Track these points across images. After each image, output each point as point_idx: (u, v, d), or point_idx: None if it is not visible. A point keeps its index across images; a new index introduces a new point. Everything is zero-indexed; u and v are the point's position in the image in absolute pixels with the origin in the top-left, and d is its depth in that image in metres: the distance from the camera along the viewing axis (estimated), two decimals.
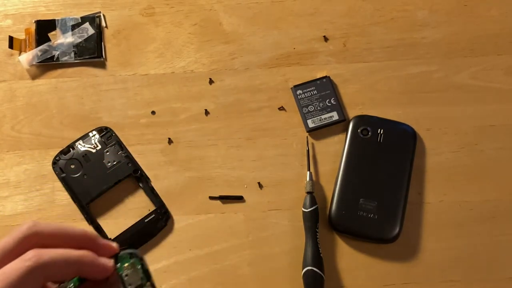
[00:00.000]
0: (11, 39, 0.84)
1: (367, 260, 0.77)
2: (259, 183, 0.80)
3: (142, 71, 0.84)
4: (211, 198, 0.79)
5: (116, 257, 0.50)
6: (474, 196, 0.78)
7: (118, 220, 0.79)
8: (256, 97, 0.83)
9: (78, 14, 0.86)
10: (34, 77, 0.84)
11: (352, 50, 0.84)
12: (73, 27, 0.85)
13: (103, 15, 0.86)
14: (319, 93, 0.82)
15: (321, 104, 0.82)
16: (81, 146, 0.80)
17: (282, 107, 0.82)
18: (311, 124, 0.81)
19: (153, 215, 0.78)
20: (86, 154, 0.80)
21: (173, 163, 0.80)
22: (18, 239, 0.46)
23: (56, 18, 0.86)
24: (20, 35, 0.85)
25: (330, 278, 0.76)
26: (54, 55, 0.84)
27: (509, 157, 0.80)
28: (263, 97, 0.83)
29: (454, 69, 0.83)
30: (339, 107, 0.81)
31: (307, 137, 0.81)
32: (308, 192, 0.77)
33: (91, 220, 0.78)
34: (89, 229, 0.78)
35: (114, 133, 0.81)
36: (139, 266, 0.50)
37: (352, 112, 0.82)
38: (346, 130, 0.80)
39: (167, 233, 0.78)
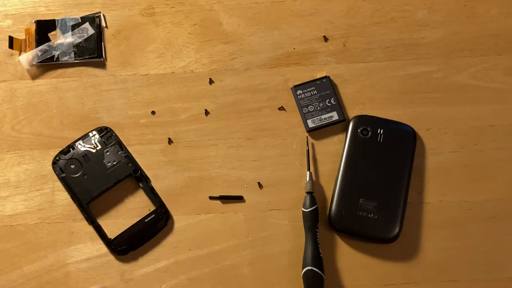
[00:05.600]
0: (11, 39, 0.84)
1: (367, 260, 0.77)
2: (259, 183, 0.80)
3: (142, 71, 0.84)
4: (211, 198, 0.79)
5: None
6: (474, 196, 0.78)
7: (118, 220, 0.79)
8: (256, 97, 0.83)
9: (78, 14, 0.86)
10: (34, 77, 0.84)
11: (352, 50, 0.84)
12: (73, 27, 0.85)
13: (103, 15, 0.86)
14: (319, 93, 0.82)
15: (321, 104, 0.82)
16: (81, 146, 0.80)
17: (282, 107, 0.82)
18: (311, 124, 0.81)
19: (153, 215, 0.78)
20: (86, 154, 0.80)
21: (173, 163, 0.81)
22: None
23: (56, 18, 0.86)
24: (20, 35, 0.85)
25: (330, 278, 0.76)
26: (54, 55, 0.84)
27: (509, 157, 0.80)
28: (263, 97, 0.83)
29: (454, 69, 0.83)
30: (339, 107, 0.81)
31: (307, 137, 0.81)
32: (308, 192, 0.77)
33: (91, 220, 0.78)
34: (89, 229, 0.78)
35: (114, 133, 0.81)
36: None
37: (352, 112, 0.82)
38: (346, 130, 0.80)
39: (167, 233, 0.78)
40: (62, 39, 0.85)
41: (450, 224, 0.78)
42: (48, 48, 0.84)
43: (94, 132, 0.81)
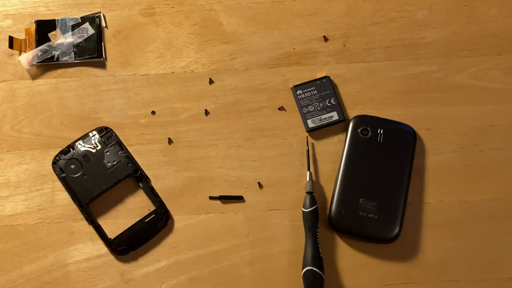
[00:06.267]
0: (11, 39, 0.84)
1: (367, 260, 0.77)
2: (259, 183, 0.80)
3: (142, 71, 0.84)
4: (211, 198, 0.79)
5: None
6: (474, 196, 0.78)
7: (118, 220, 0.79)
8: (256, 97, 0.83)
9: (78, 14, 0.86)
10: (34, 77, 0.84)
11: (352, 50, 0.84)
12: (73, 27, 0.85)
13: (103, 15, 0.86)
14: (319, 93, 0.82)
15: (321, 104, 0.82)
16: (81, 146, 0.80)
17: (282, 107, 0.82)
18: (311, 124, 0.81)
19: (153, 215, 0.78)
20: (86, 154, 0.80)
21: (173, 163, 0.81)
22: None
23: (56, 18, 0.86)
24: (20, 35, 0.85)
25: (330, 278, 0.76)
26: (54, 55, 0.84)
27: (509, 157, 0.80)
28: (263, 97, 0.83)
29: (454, 69, 0.83)
30: (339, 107, 0.81)
31: (307, 137, 0.81)
32: (308, 192, 0.77)
33: (91, 220, 0.78)
34: (89, 229, 0.78)
35: (114, 133, 0.81)
36: None
37: (352, 112, 0.82)
38: (346, 130, 0.80)
39: (167, 233, 0.78)
40: (62, 39, 0.85)
41: (450, 224, 0.78)
42: (48, 48, 0.84)
43: (94, 132, 0.81)
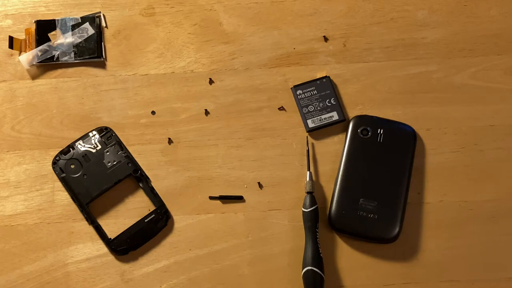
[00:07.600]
0: (11, 39, 0.84)
1: (367, 260, 0.77)
2: (259, 183, 0.80)
3: (142, 71, 0.84)
4: (211, 198, 0.79)
5: None
6: (474, 196, 0.78)
7: (118, 220, 0.79)
8: (256, 97, 0.83)
9: (78, 14, 0.86)
10: (34, 77, 0.84)
11: (352, 50, 0.84)
12: (73, 27, 0.85)
13: (103, 15, 0.86)
14: (319, 93, 0.82)
15: (321, 104, 0.82)
16: (81, 146, 0.80)
17: (282, 107, 0.82)
18: (311, 124, 0.81)
19: (153, 215, 0.78)
20: (86, 154, 0.80)
21: (173, 163, 0.81)
22: None
23: (56, 18, 0.86)
24: (20, 35, 0.85)
25: (330, 278, 0.76)
26: (54, 55, 0.84)
27: (509, 157, 0.80)
28: (263, 97, 0.83)
29: (454, 69, 0.83)
30: (339, 107, 0.81)
31: (307, 137, 0.81)
32: (308, 192, 0.77)
33: (91, 220, 0.78)
34: (89, 229, 0.78)
35: (114, 133, 0.81)
36: None
37: (352, 112, 0.82)
38: (346, 130, 0.80)
39: (167, 233, 0.78)
40: (62, 39, 0.85)
41: (450, 224, 0.78)
42: (48, 48, 0.84)
43: (94, 132, 0.81)
